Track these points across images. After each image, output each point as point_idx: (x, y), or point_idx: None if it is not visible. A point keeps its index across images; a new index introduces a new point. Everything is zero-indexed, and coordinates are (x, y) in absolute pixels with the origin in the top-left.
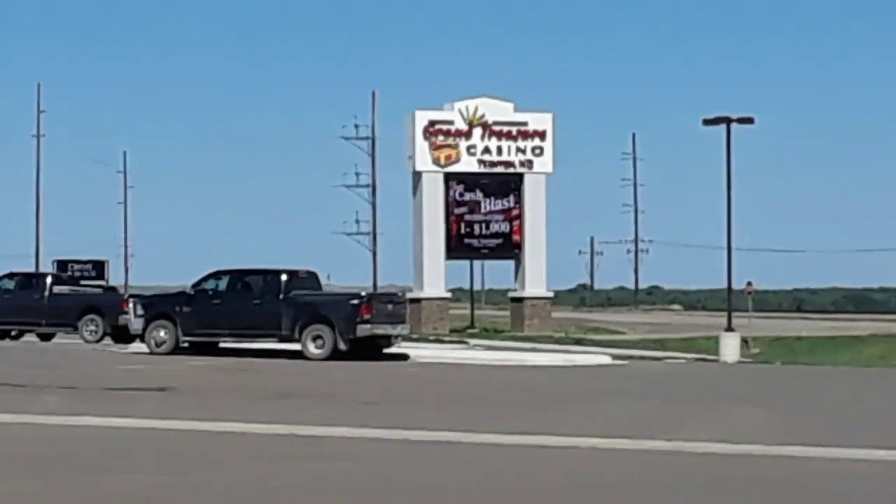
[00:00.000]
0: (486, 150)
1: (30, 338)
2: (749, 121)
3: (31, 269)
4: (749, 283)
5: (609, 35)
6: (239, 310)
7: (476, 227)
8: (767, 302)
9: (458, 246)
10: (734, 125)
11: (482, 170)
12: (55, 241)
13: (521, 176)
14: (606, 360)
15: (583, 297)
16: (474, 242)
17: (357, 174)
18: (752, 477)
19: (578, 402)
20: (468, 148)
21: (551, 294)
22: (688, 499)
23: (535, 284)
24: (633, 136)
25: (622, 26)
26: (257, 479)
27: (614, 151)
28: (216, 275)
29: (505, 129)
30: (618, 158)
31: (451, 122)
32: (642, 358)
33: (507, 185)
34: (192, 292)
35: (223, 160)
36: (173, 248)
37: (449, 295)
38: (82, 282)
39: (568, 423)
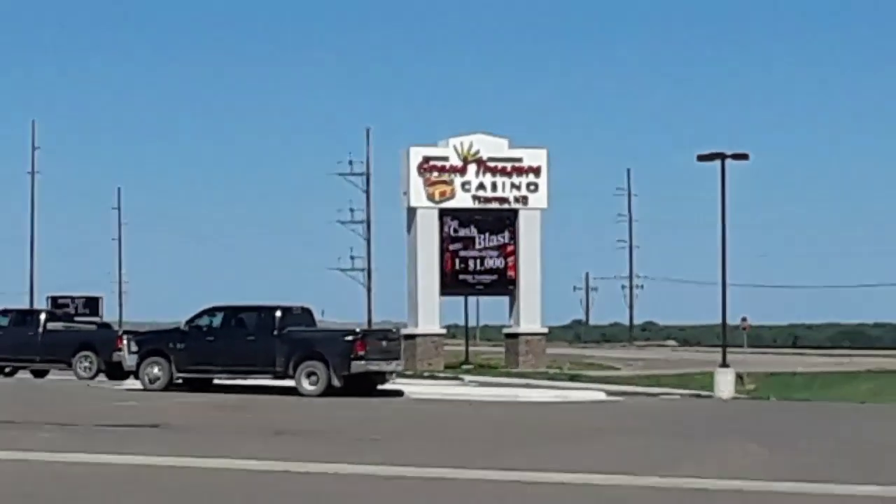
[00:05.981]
0: (481, 186)
1: (24, 374)
2: (744, 157)
3: (26, 306)
4: (744, 319)
5: (603, 70)
6: (233, 346)
7: (471, 262)
8: (762, 338)
9: (452, 282)
10: (729, 161)
11: (477, 206)
12: (49, 278)
13: (515, 212)
14: (601, 396)
15: (578, 332)
16: (469, 278)
17: (352, 210)
18: None
19: (573, 438)
20: (463, 184)
21: (546, 330)
22: None
23: (530, 320)
24: (628, 171)
25: (616, 62)
26: None
27: (609, 187)
28: (210, 311)
29: (499, 164)
30: (612, 194)
31: (445, 159)
32: (637, 394)
33: (501, 220)
34: (187, 329)
35: (218, 196)
36: (168, 284)
37: (443, 331)
38: (76, 318)
39: (562, 459)
